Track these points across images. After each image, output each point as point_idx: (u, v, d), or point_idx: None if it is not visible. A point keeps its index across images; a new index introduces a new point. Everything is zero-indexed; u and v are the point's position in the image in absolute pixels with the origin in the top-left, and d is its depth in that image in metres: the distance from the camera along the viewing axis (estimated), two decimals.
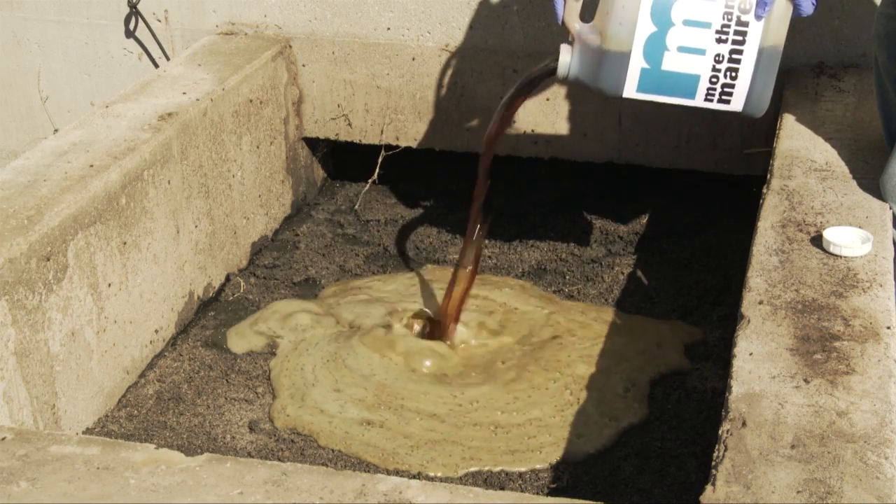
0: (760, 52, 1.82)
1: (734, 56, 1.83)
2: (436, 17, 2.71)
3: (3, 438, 1.48)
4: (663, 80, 1.87)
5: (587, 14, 1.91)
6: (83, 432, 2.05)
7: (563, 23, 1.92)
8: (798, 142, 2.18)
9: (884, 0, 2.08)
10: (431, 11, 2.70)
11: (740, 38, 1.82)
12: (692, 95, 1.88)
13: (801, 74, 2.50)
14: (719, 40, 1.83)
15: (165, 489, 1.37)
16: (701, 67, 1.85)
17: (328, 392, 2.15)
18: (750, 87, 1.85)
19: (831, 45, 2.53)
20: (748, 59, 1.83)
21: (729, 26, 1.82)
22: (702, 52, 1.84)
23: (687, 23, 1.83)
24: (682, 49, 1.84)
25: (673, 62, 1.85)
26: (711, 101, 1.88)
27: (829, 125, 2.24)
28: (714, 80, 1.85)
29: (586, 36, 1.90)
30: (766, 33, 1.82)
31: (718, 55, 1.83)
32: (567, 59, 1.92)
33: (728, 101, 1.87)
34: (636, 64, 1.86)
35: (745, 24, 1.81)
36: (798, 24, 2.51)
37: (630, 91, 1.89)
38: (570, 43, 1.93)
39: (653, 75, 1.87)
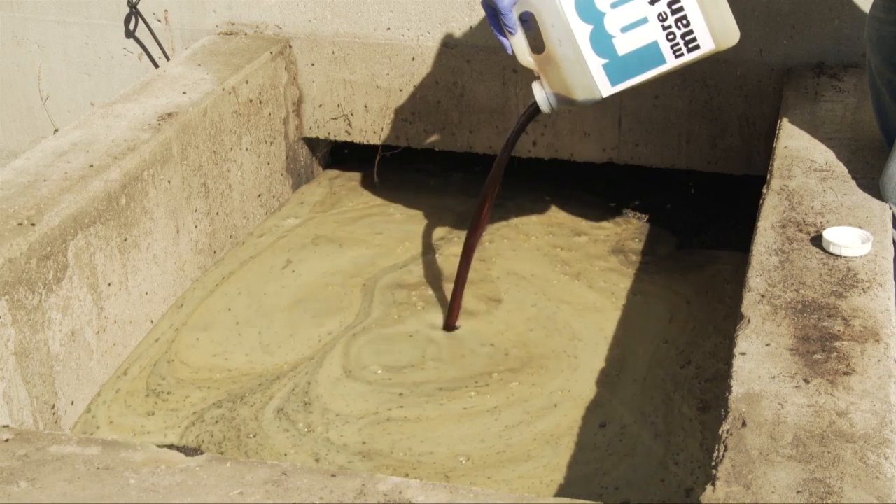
0: None
1: (674, 6, 1.84)
2: (436, 17, 2.71)
3: (5, 439, 1.48)
4: (628, 63, 1.88)
5: (538, 45, 1.93)
6: (83, 432, 2.05)
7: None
8: (798, 142, 2.18)
9: (875, 3, 2.07)
10: (431, 11, 2.70)
11: None
12: (663, 61, 1.88)
13: (801, 74, 2.50)
14: (652, 2, 1.84)
15: (165, 489, 1.37)
16: (653, 33, 1.86)
17: None
18: (707, 22, 1.85)
19: (831, 45, 2.52)
20: (689, 2, 1.83)
21: None
22: (644, 20, 1.85)
23: (614, 5, 1.85)
24: (625, 28, 1.86)
25: (626, 44, 1.86)
26: (682, 55, 1.88)
27: (829, 125, 2.23)
28: (671, 36, 1.86)
29: (544, 66, 1.92)
30: None
31: (660, 14, 1.84)
32: (542, 94, 1.95)
33: (698, 46, 1.87)
34: (595, 64, 1.87)
35: None
36: (798, 24, 2.52)
37: (606, 90, 1.90)
38: (537, 78, 1.95)
39: (616, 65, 1.88)
